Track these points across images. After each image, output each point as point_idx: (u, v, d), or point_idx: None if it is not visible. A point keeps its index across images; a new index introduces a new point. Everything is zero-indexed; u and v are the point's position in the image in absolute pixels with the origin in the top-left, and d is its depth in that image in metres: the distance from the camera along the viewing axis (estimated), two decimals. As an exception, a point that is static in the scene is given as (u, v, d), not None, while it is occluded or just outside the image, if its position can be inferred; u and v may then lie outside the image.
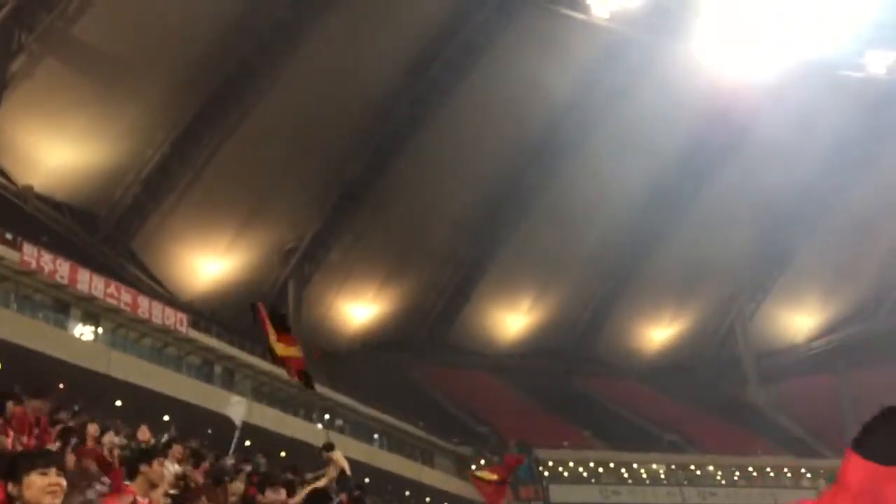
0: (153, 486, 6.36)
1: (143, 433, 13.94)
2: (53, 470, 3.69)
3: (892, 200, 60.10)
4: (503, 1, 53.37)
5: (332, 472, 10.87)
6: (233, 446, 17.26)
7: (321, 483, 10.82)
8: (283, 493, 9.78)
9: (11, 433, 8.54)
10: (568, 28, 54.13)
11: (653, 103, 56.03)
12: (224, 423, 19.12)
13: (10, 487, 3.62)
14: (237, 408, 18.97)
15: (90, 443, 10.67)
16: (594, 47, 55.38)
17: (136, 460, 6.51)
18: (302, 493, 10.84)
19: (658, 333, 70.88)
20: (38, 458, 3.81)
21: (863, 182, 62.32)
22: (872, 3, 53.83)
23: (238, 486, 10.51)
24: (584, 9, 53.98)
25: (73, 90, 44.80)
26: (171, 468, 10.06)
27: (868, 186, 61.95)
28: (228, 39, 48.34)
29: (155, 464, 6.34)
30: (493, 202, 60.76)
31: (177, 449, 11.85)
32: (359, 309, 62.25)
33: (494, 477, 13.12)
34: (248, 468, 14.59)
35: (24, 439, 9.13)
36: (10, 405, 10.27)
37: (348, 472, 13.81)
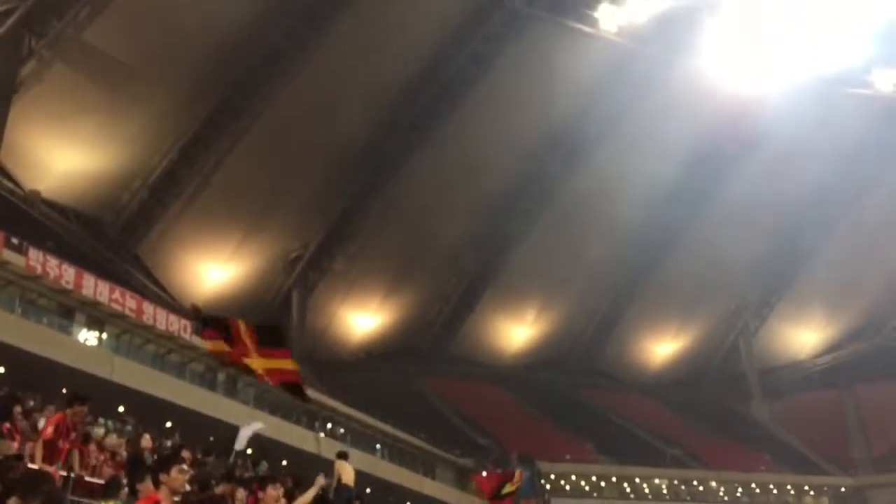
0: (175, 493, 6.34)
1: (146, 441, 13.96)
2: None
3: (897, 218, 60.08)
4: (511, 14, 53.52)
5: (320, 481, 10.97)
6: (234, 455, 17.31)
7: (310, 493, 10.90)
8: (281, 490, 9.82)
9: (18, 437, 8.57)
10: (576, 41, 54.26)
11: (660, 116, 56.16)
12: (226, 429, 19.11)
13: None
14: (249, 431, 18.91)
15: (94, 446, 10.72)
16: (603, 59, 55.47)
17: (157, 470, 6.46)
18: (307, 494, 10.89)
19: (662, 347, 70.73)
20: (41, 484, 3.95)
21: (867, 199, 62.25)
22: (879, 21, 53.81)
23: (241, 493, 10.52)
24: (592, 22, 54.15)
25: (82, 96, 44.94)
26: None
27: (873, 203, 61.86)
28: (237, 47, 48.54)
29: (174, 471, 6.31)
30: (499, 213, 60.80)
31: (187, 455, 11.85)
32: (363, 318, 62.20)
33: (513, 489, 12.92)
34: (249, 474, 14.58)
35: (60, 443, 9.35)
36: (46, 412, 10.33)
37: (349, 483, 13.79)
